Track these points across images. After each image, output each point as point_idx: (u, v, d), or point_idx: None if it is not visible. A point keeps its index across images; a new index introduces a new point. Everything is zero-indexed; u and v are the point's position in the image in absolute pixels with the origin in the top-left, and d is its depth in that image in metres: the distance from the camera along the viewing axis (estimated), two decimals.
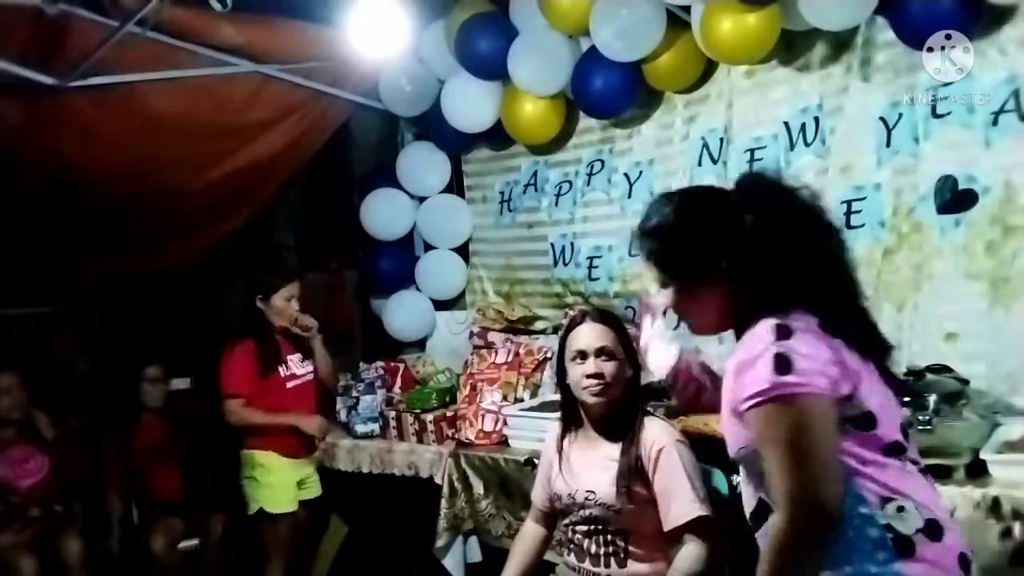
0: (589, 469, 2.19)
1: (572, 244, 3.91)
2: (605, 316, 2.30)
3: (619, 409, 2.23)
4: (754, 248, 1.53)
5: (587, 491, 2.16)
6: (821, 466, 1.41)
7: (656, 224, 1.65)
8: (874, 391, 1.52)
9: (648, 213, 1.68)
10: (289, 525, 3.44)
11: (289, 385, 3.47)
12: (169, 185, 3.78)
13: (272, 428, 3.42)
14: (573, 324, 2.29)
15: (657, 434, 2.17)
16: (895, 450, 1.51)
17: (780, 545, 1.42)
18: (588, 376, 2.19)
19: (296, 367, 3.51)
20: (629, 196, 3.71)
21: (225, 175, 3.88)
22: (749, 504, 1.60)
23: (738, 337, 1.59)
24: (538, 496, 2.38)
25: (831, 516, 1.40)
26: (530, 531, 2.40)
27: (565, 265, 3.94)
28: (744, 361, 1.48)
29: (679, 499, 2.10)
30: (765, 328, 1.47)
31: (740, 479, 1.66)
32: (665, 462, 2.12)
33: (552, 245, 3.98)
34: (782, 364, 1.42)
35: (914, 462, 1.56)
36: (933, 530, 1.46)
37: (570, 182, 3.93)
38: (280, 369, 3.46)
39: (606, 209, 3.80)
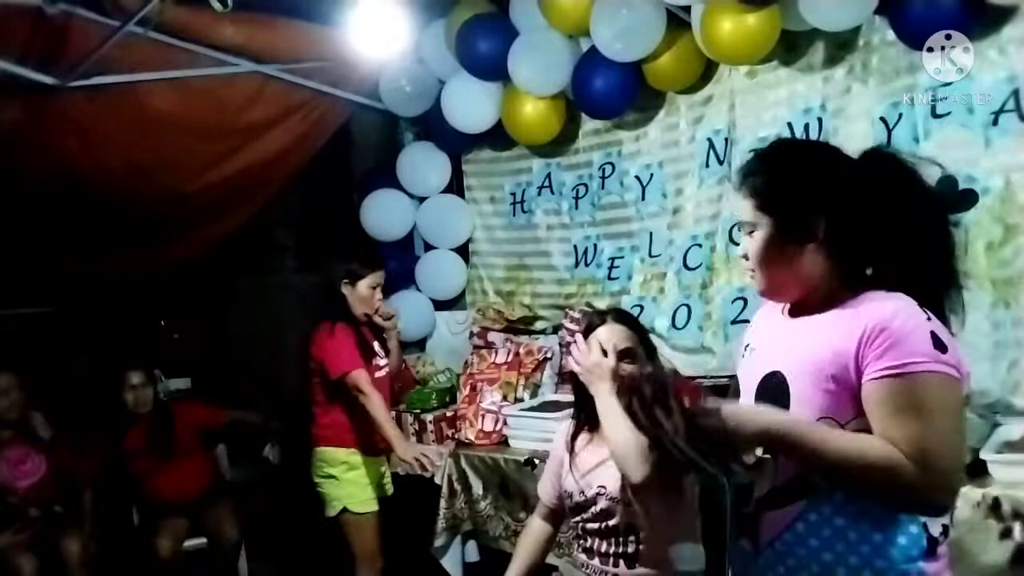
0: (601, 466, 2.18)
1: (595, 246, 3.93)
2: (624, 316, 2.27)
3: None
4: (879, 220, 1.47)
5: (599, 486, 2.15)
6: (963, 450, 1.43)
7: (778, 154, 1.58)
8: None
9: (769, 146, 1.62)
10: (376, 524, 3.27)
11: (375, 376, 3.24)
12: (169, 185, 3.78)
13: (357, 424, 3.21)
14: (593, 325, 2.26)
15: None
16: None
17: (888, 470, 1.35)
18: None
19: (379, 358, 3.34)
20: (643, 199, 3.72)
21: (225, 175, 3.88)
22: (776, 479, 1.51)
23: (810, 310, 1.53)
24: (546, 492, 2.37)
25: (949, 504, 1.43)
26: (536, 527, 2.39)
27: (587, 266, 3.96)
28: (893, 329, 1.38)
29: None
30: (909, 303, 1.42)
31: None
32: None
33: (575, 247, 4.00)
34: (938, 343, 1.38)
35: None
36: (946, 534, 1.48)
37: (585, 185, 3.95)
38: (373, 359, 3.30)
39: (622, 212, 3.82)
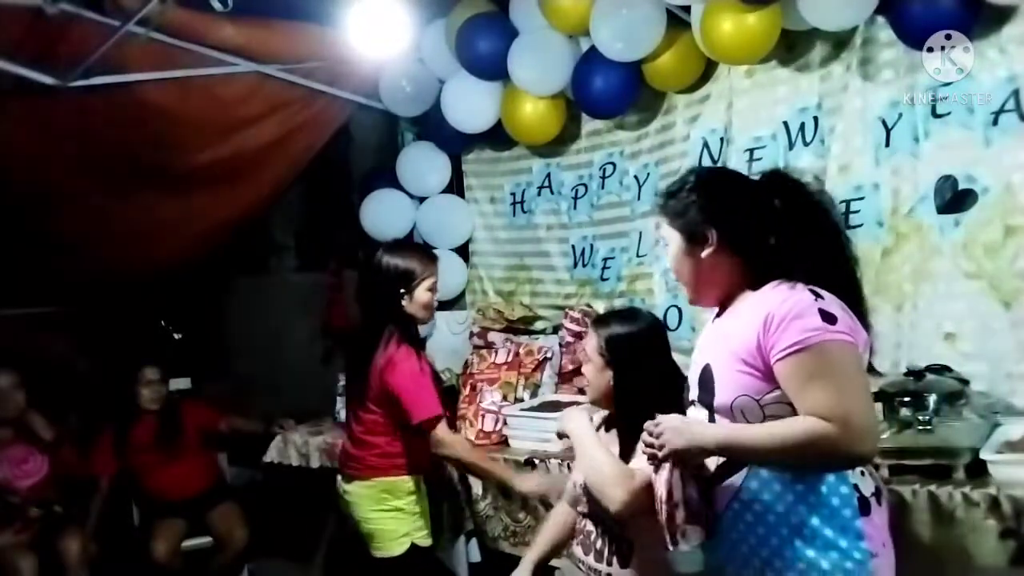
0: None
1: (592, 246, 3.93)
2: (595, 327, 2.24)
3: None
4: (782, 228, 1.72)
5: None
6: (871, 402, 1.63)
7: (695, 178, 1.84)
8: None
9: (682, 176, 1.88)
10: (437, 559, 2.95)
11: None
12: (163, 166, 3.75)
13: (424, 447, 2.76)
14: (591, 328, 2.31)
15: None
16: None
17: (814, 441, 1.54)
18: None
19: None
20: (638, 198, 3.72)
21: (219, 158, 3.86)
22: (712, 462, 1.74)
23: (724, 309, 1.82)
24: (574, 477, 2.35)
25: (873, 452, 1.65)
26: (560, 512, 2.38)
27: (584, 266, 3.97)
28: (785, 314, 1.61)
29: None
30: (798, 289, 1.65)
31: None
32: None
33: (573, 247, 4.00)
34: (828, 317, 1.59)
35: None
36: (878, 495, 1.70)
37: (585, 185, 3.95)
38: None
39: (618, 211, 3.82)
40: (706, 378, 1.77)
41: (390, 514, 2.80)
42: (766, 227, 1.74)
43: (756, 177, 1.86)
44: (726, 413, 1.71)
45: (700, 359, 1.83)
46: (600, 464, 2.06)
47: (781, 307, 1.62)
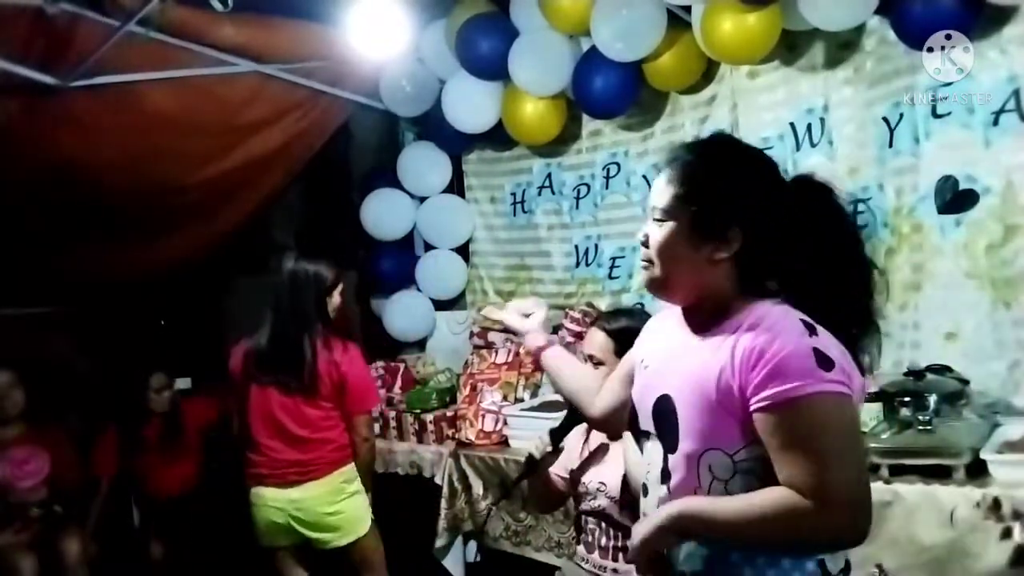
0: (603, 460, 2.19)
1: (596, 245, 3.94)
2: (606, 323, 2.21)
3: None
4: (804, 244, 1.40)
5: (600, 482, 2.16)
6: (864, 470, 1.32)
7: (717, 147, 1.48)
8: None
9: (709, 137, 1.53)
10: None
11: None
12: (167, 181, 3.77)
13: None
14: (590, 324, 2.26)
15: None
16: None
17: (787, 521, 1.26)
18: None
19: None
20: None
21: (223, 170, 3.87)
22: None
23: (703, 326, 1.43)
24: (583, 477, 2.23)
25: (862, 535, 1.27)
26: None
27: (587, 265, 3.97)
28: (773, 352, 1.29)
29: None
30: (790, 317, 1.33)
31: (656, 492, 1.45)
32: None
33: (576, 247, 4.01)
34: (823, 361, 1.28)
35: None
36: (847, 571, 1.42)
37: (587, 185, 3.96)
38: None
39: (627, 211, 3.82)
40: (665, 411, 1.43)
41: (352, 499, 2.96)
42: (792, 241, 1.40)
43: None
44: (690, 466, 1.38)
45: (656, 383, 1.47)
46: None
47: (769, 340, 1.30)
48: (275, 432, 2.92)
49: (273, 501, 2.92)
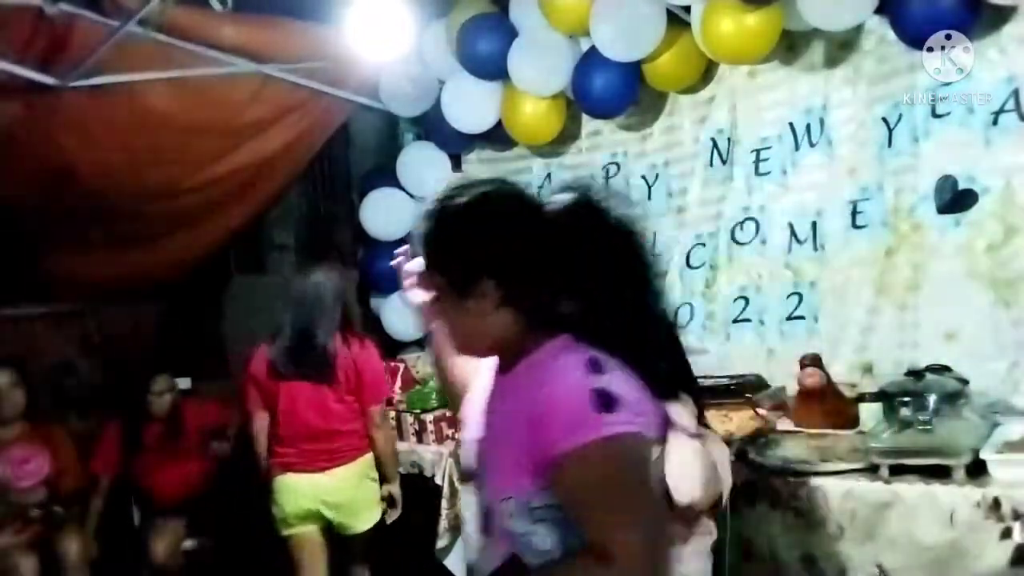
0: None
1: None
2: None
3: None
4: (576, 276, 1.35)
5: None
6: (657, 519, 1.27)
7: (441, 212, 1.39)
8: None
9: (435, 202, 1.42)
10: None
11: None
12: (167, 182, 3.77)
13: None
14: None
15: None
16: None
17: None
18: None
19: None
20: (649, 198, 3.73)
21: (224, 172, 3.88)
22: (489, 562, 1.37)
23: (505, 367, 1.40)
24: None
25: None
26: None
27: None
28: (555, 400, 1.25)
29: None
30: (575, 357, 1.28)
31: (470, 536, 1.43)
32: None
33: None
34: (604, 402, 1.22)
35: None
36: None
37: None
38: None
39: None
40: (479, 454, 1.41)
41: (372, 485, 3.21)
42: (557, 278, 1.35)
43: (563, 198, 1.42)
44: (496, 512, 1.34)
45: (473, 424, 1.45)
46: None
47: (544, 386, 1.26)
48: (303, 425, 3.12)
49: (302, 487, 3.11)
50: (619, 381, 1.25)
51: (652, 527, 1.23)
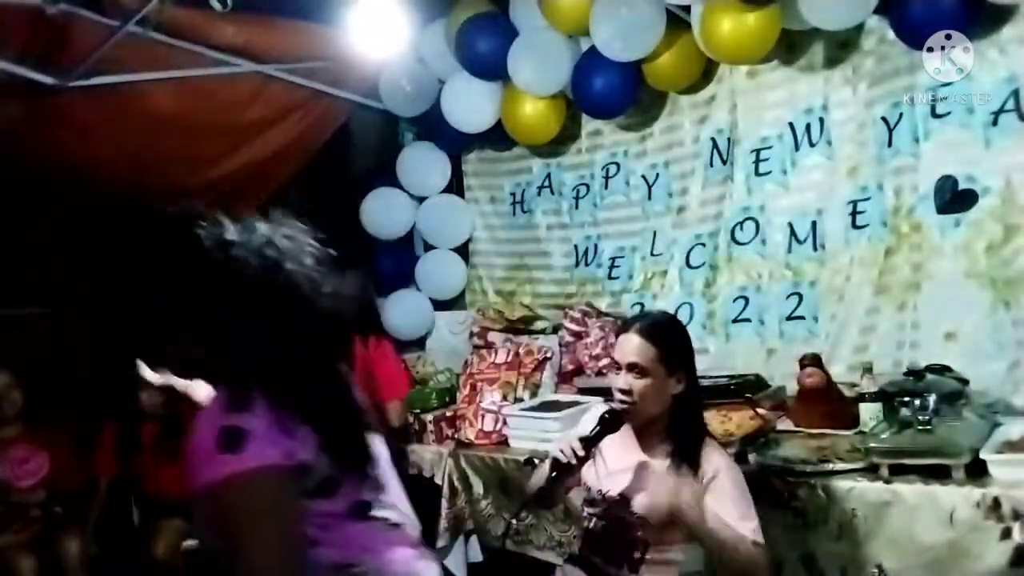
0: (624, 472, 2.14)
1: (596, 246, 3.95)
2: (649, 329, 2.12)
3: (659, 424, 2.13)
4: (178, 316, 1.40)
5: (619, 494, 2.12)
6: (282, 551, 1.29)
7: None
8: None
9: None
10: None
11: None
12: (167, 182, 3.77)
13: None
14: (619, 331, 2.19)
15: (715, 458, 2.08)
16: (360, 510, 1.44)
17: None
18: (618, 390, 2.10)
19: None
20: (649, 198, 3.74)
21: (225, 173, 3.88)
22: None
23: None
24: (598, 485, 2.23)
25: None
26: None
27: (587, 265, 3.98)
28: (192, 439, 1.31)
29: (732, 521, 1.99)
30: (213, 401, 1.34)
31: None
32: (720, 485, 2.03)
33: (575, 247, 4.02)
34: (229, 440, 1.26)
35: (383, 518, 1.48)
36: None
37: (587, 185, 3.97)
38: None
39: (627, 211, 3.83)
40: None
41: None
42: (176, 326, 1.41)
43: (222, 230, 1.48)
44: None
45: None
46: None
47: (197, 433, 1.31)
48: None
49: None
50: (258, 416, 1.28)
51: (285, 555, 1.27)
